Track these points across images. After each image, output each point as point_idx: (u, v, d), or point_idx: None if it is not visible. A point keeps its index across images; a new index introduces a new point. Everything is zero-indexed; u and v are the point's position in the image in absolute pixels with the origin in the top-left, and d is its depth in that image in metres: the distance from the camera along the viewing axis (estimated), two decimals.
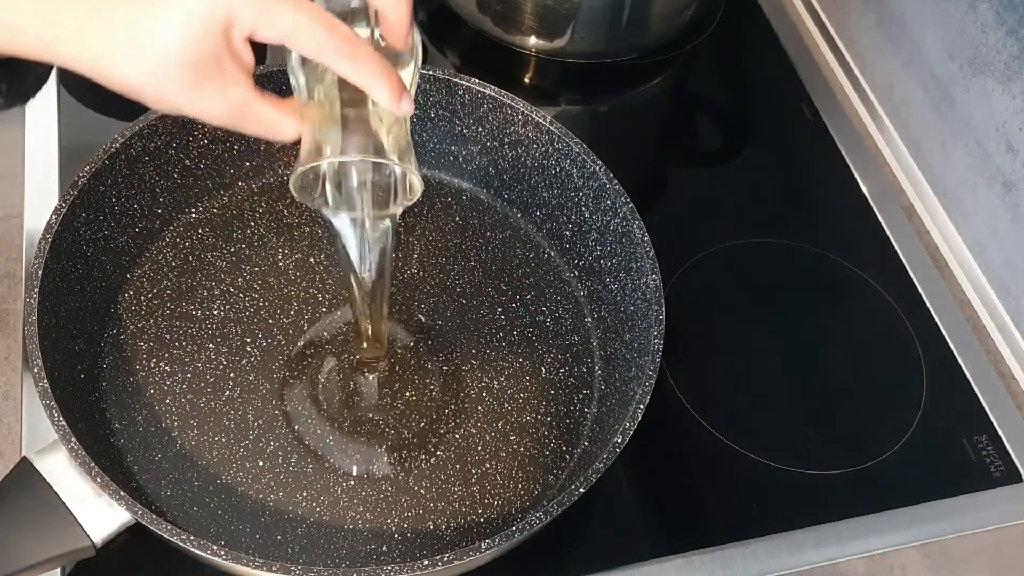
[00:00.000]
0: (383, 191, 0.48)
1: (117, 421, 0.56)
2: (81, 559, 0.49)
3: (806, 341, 0.67)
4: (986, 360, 0.67)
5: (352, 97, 0.44)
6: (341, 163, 0.47)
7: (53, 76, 0.45)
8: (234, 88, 0.41)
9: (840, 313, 0.69)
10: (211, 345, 0.59)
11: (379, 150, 0.44)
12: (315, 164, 0.44)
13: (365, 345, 0.57)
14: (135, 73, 0.39)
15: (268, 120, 0.43)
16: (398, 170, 0.47)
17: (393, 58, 0.45)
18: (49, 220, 0.53)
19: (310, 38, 0.40)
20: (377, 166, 0.47)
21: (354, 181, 0.48)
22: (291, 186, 0.45)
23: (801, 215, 0.73)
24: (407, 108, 0.43)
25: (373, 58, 0.41)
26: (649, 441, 0.55)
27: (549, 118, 0.61)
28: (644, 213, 0.58)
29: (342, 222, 0.49)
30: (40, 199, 0.66)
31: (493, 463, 0.57)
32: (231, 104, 0.42)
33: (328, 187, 0.48)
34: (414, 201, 0.47)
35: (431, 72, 0.62)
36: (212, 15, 0.38)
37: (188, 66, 0.39)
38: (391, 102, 0.42)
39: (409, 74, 0.46)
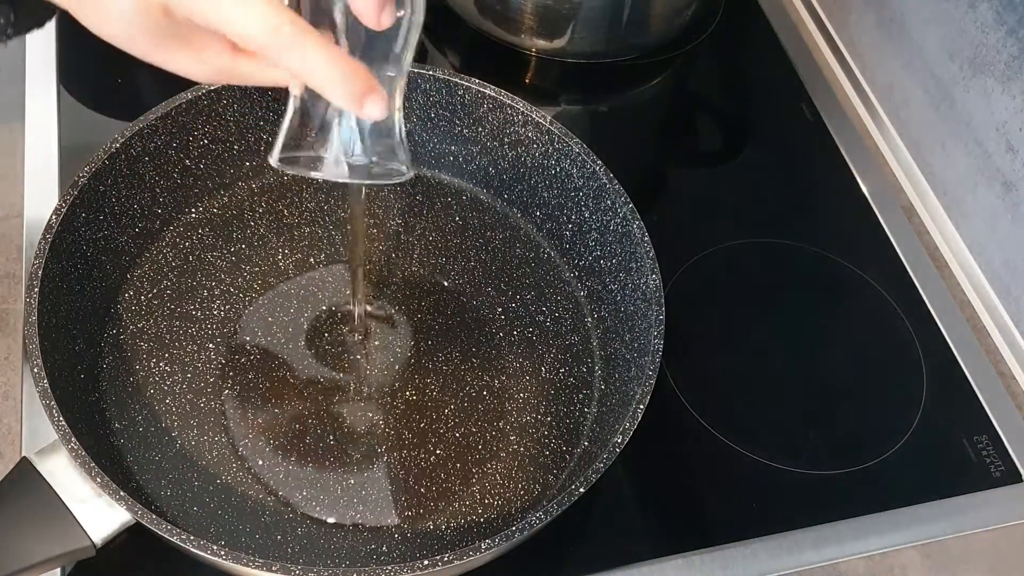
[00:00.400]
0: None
1: (117, 421, 0.56)
2: (81, 559, 0.49)
3: (806, 341, 0.67)
4: (986, 360, 0.67)
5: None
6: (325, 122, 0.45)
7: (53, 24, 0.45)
8: (210, 53, 0.40)
9: (840, 313, 0.69)
10: (211, 345, 0.59)
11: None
12: (286, 169, 0.43)
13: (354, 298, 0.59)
14: (107, 30, 0.39)
15: (252, 75, 0.41)
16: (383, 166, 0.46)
17: (385, 33, 0.41)
18: (49, 220, 0.53)
19: (246, 30, 0.37)
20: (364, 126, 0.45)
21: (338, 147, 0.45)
22: (271, 163, 0.44)
23: (801, 215, 0.73)
24: (372, 112, 0.39)
25: (324, 53, 0.37)
26: (649, 441, 0.55)
27: (549, 118, 0.61)
28: (644, 213, 0.58)
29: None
30: (40, 199, 0.65)
31: (493, 463, 0.57)
32: (211, 67, 0.41)
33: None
34: (402, 181, 0.46)
35: (431, 72, 0.62)
36: None
37: (145, 31, 0.39)
38: (351, 106, 0.39)
39: (397, 59, 0.43)
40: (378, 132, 0.44)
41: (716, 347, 0.66)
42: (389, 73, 0.43)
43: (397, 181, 0.46)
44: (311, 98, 0.43)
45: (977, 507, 0.60)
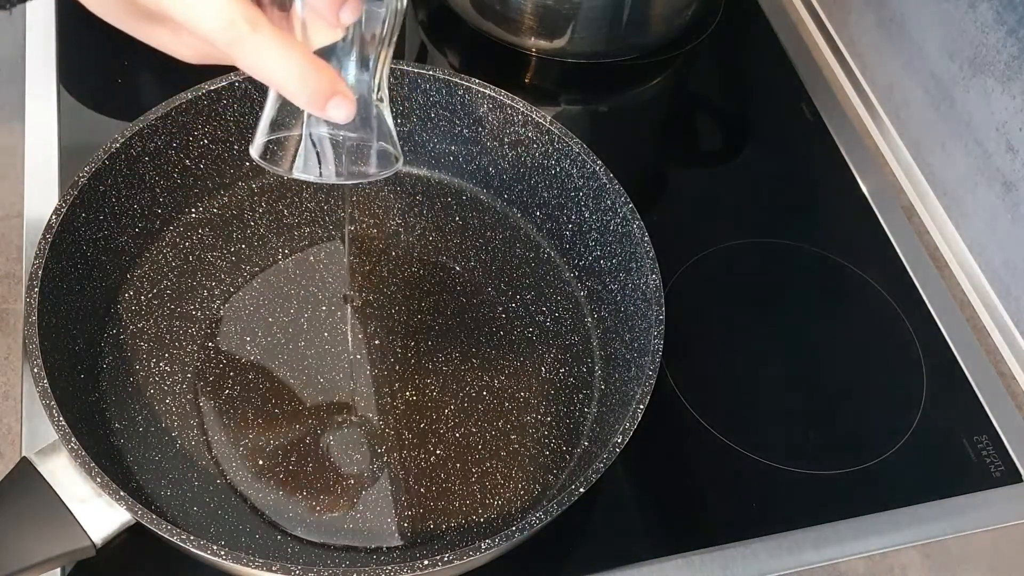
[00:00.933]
0: (358, 154, 0.45)
1: (117, 421, 0.56)
2: (81, 559, 0.49)
3: (806, 341, 0.67)
4: (986, 360, 0.67)
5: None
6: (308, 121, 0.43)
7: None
8: (188, 35, 0.38)
9: (840, 313, 0.69)
10: (211, 345, 0.59)
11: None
12: (266, 165, 0.42)
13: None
14: (94, 7, 0.38)
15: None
16: (375, 145, 0.44)
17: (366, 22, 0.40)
18: (49, 220, 0.53)
19: (198, 23, 0.34)
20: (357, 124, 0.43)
21: (326, 146, 0.44)
22: (252, 154, 0.43)
23: (801, 215, 0.73)
24: (336, 115, 0.37)
25: (281, 51, 0.35)
26: (649, 441, 0.55)
27: (549, 118, 0.61)
28: (644, 213, 0.58)
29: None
30: (40, 199, 0.65)
31: (493, 463, 0.57)
32: (193, 48, 0.39)
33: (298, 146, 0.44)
34: (393, 172, 0.45)
35: (431, 72, 0.62)
36: None
37: (121, 10, 0.38)
38: (313, 108, 0.37)
39: (381, 46, 0.41)
40: (364, 124, 0.43)
41: (716, 347, 0.66)
42: (370, 64, 0.42)
43: (388, 174, 0.45)
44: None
45: (977, 507, 0.60)
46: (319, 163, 0.44)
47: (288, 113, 0.42)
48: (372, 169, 0.45)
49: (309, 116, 0.42)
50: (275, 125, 0.43)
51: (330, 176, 0.44)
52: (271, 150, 0.43)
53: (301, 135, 0.43)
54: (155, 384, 0.58)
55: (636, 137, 0.79)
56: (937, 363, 0.66)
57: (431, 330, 0.62)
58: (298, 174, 0.44)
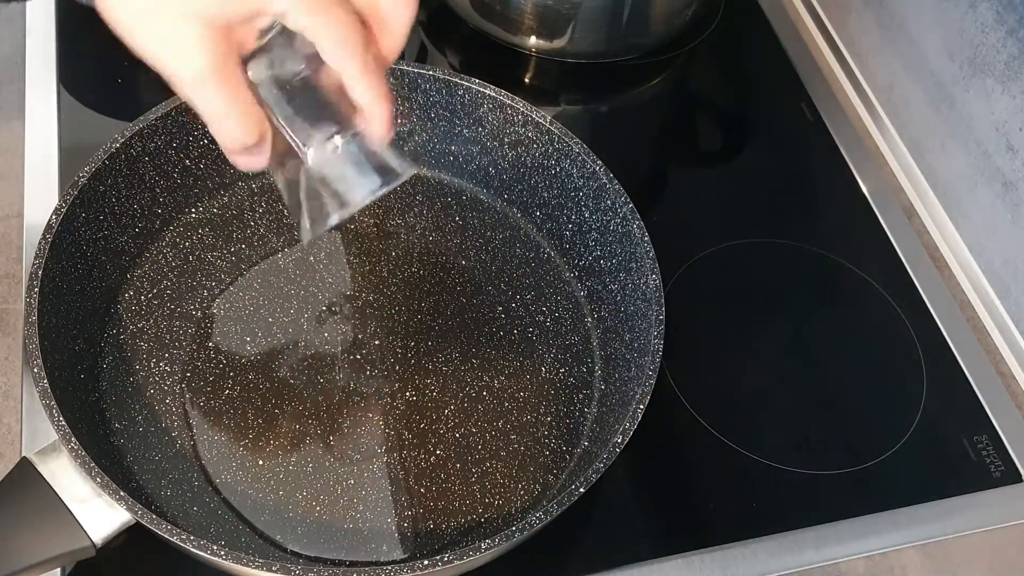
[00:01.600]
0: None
1: (117, 421, 0.56)
2: (81, 559, 0.49)
3: (806, 341, 0.67)
4: (986, 360, 0.67)
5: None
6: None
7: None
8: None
9: (840, 313, 0.69)
10: (211, 345, 0.59)
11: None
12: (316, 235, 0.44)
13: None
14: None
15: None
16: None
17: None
18: (49, 220, 0.53)
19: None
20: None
21: (338, 186, 0.46)
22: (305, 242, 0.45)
23: (801, 215, 0.73)
24: (388, 136, 0.41)
25: (382, 72, 0.39)
26: (649, 441, 0.55)
27: (549, 118, 0.61)
28: (644, 213, 0.58)
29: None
30: (40, 199, 0.65)
31: (493, 463, 0.57)
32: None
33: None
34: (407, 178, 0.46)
35: (431, 72, 0.62)
36: None
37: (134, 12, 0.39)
38: (383, 131, 0.41)
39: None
40: (371, 152, 0.45)
41: (716, 347, 0.66)
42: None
43: (403, 180, 0.46)
44: (289, 170, 0.44)
45: (977, 507, 0.60)
46: (340, 205, 0.46)
47: (304, 190, 0.44)
48: (390, 183, 0.46)
49: (310, 177, 0.44)
50: (306, 208, 0.45)
51: (353, 205, 0.45)
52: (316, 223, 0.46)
53: (322, 199, 0.45)
54: (155, 384, 0.58)
55: (636, 137, 0.79)
56: (937, 363, 0.66)
57: (431, 330, 0.62)
58: (336, 216, 0.46)
